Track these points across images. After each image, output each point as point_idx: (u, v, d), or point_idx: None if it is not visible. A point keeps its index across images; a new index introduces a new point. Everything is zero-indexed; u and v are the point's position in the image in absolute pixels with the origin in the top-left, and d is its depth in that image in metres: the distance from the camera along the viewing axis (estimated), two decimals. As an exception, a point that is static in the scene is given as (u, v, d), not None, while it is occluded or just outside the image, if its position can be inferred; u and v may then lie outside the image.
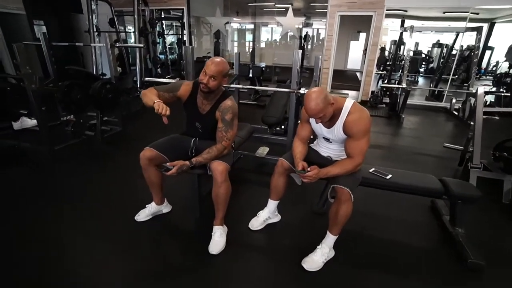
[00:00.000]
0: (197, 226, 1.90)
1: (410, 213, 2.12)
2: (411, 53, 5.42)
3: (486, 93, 5.37)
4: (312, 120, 1.68)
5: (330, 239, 1.59)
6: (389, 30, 8.84)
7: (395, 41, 6.28)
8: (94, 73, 4.40)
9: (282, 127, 2.94)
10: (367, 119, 1.50)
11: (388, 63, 7.50)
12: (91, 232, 1.79)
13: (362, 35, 11.21)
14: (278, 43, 11.19)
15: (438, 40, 9.90)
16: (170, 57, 8.01)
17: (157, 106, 1.47)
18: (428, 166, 3.00)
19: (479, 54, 5.44)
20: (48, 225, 1.84)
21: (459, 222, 1.81)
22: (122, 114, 3.51)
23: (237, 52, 3.35)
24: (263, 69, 5.01)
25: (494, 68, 10.08)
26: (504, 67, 9.48)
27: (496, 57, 9.45)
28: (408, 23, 5.82)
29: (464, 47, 7.71)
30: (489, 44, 8.21)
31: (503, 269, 1.65)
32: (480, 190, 1.74)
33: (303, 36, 9.80)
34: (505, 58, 7.08)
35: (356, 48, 11.53)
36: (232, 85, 2.83)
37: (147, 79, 2.89)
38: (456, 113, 5.00)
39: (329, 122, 1.58)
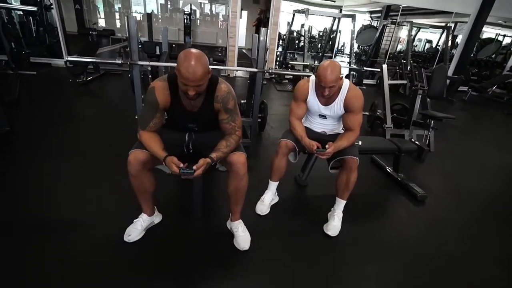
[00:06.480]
0: (209, 227, 1.70)
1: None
2: (307, 34, 6.18)
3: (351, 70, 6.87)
4: (310, 98, 1.76)
5: (342, 204, 1.79)
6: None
7: (288, 22, 6.92)
8: None
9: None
10: (362, 96, 1.72)
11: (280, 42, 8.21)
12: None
13: (244, 13, 11.65)
14: (159, 17, 10.11)
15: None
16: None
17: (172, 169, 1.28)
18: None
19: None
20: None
21: (401, 170, 2.40)
22: (2, 108, 2.46)
23: (165, 27, 2.91)
24: (174, 46, 4.54)
25: (342, 48, 12.83)
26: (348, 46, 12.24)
27: (342, 39, 12.02)
28: (297, 6, 6.53)
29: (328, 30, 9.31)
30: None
31: (437, 193, 2.33)
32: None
33: (189, 11, 9.27)
34: (355, 41, 9.12)
35: (241, 26, 11.90)
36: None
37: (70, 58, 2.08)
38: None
39: (328, 99, 1.71)
